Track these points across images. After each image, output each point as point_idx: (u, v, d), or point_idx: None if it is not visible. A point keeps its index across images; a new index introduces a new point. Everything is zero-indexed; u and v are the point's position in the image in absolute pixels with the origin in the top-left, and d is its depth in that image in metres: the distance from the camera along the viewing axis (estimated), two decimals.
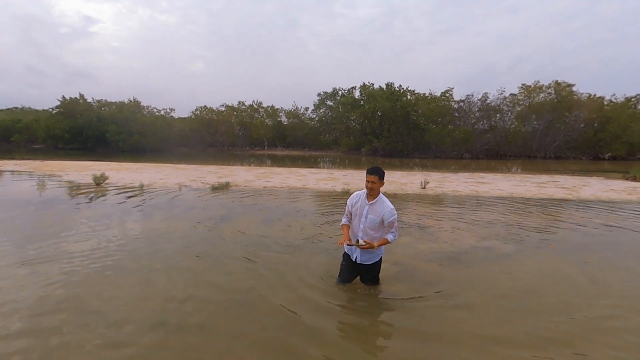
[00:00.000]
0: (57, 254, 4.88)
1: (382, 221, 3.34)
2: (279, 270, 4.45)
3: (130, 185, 11.65)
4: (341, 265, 3.83)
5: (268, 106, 58.62)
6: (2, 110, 70.13)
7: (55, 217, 7.09)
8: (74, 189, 11.03)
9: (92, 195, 9.87)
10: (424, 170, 21.23)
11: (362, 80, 63.15)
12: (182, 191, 10.81)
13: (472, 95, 42.99)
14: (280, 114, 58.88)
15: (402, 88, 44.57)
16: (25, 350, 2.71)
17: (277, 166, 23.43)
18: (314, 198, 10.32)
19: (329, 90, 52.03)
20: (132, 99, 49.58)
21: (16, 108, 73.00)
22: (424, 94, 46.09)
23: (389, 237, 3.37)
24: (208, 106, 56.12)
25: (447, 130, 39.02)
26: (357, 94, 49.71)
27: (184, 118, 56.09)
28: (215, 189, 11.26)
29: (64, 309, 3.36)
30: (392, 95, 42.12)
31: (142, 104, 50.33)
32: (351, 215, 3.58)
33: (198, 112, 55.79)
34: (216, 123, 53.39)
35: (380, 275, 3.91)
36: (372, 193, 3.36)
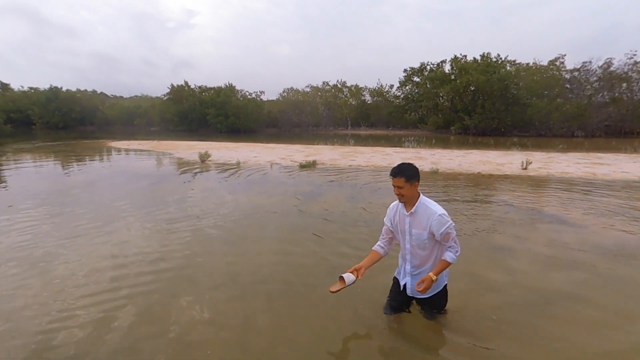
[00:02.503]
0: (177, 216, 5.71)
1: (432, 234, 2.48)
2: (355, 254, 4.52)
3: (229, 162, 12.85)
4: (390, 291, 2.95)
5: (352, 85, 58.24)
6: (126, 98, 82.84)
7: (172, 188, 8.26)
8: (184, 164, 12.60)
9: (198, 169, 11.16)
10: (523, 150, 19.05)
11: (452, 53, 58.25)
12: (274, 168, 11.55)
13: (590, 62, 36.06)
14: (364, 92, 58.08)
15: (500, 58, 40.00)
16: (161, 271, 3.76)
17: (361, 145, 23.37)
18: None
19: (416, 66, 49.27)
20: (227, 84, 53.65)
21: (136, 96, 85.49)
22: (527, 63, 40.61)
23: (448, 256, 2.46)
24: (294, 87, 58.16)
25: (554, 104, 33.99)
26: (447, 68, 46.15)
27: (272, 100, 59.00)
28: (303, 166, 11.76)
29: (181, 255, 3.99)
30: (488, 67, 38.08)
31: (236, 88, 54.20)
32: (392, 234, 2.74)
33: (285, 93, 58.19)
34: (302, 104, 55.07)
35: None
36: (405, 200, 2.54)
